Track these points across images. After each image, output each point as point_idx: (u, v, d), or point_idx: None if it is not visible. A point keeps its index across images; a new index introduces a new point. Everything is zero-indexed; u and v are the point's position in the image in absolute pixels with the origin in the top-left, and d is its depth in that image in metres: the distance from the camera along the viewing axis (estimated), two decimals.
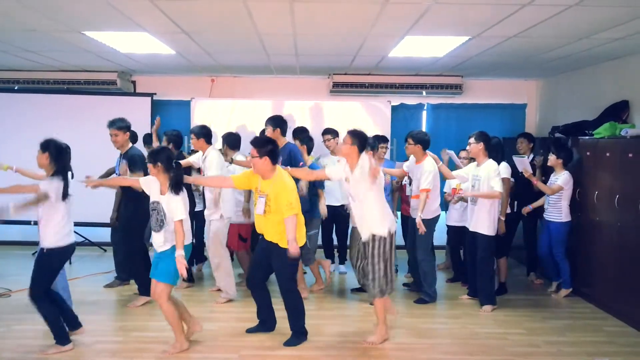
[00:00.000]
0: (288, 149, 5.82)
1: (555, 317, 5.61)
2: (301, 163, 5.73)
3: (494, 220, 5.63)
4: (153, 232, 4.46)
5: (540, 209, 6.32)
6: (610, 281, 5.69)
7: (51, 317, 4.48)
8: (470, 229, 5.76)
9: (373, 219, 4.68)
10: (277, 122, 5.89)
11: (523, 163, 6.13)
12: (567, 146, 6.28)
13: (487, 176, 5.57)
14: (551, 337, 5.02)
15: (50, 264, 4.48)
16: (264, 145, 4.59)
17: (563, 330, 5.23)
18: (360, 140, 4.68)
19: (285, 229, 4.54)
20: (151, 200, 4.47)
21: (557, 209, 6.06)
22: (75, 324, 4.75)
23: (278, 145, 4.88)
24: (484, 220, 5.63)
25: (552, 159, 6.10)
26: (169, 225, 4.36)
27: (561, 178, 6.01)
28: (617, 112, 6.09)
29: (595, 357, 4.54)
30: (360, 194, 4.67)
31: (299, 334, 4.80)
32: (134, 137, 6.21)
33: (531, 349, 4.75)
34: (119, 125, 5.73)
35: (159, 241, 4.42)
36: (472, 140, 5.75)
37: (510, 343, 4.86)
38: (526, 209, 6.35)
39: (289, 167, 5.16)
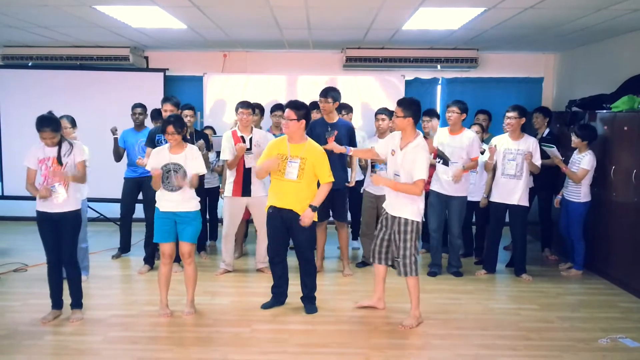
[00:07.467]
0: (346, 125, 5.70)
1: (569, 293, 5.58)
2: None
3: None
4: (167, 192, 4.54)
5: (556, 184, 6.25)
6: (625, 257, 5.63)
7: (80, 280, 4.67)
8: (514, 203, 5.75)
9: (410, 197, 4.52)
10: (339, 95, 5.72)
11: (553, 153, 5.98)
12: (590, 125, 6.06)
13: (529, 150, 5.68)
14: (565, 313, 4.99)
15: (80, 223, 4.64)
16: (302, 108, 4.61)
17: (577, 306, 5.20)
18: (415, 112, 4.46)
19: (309, 196, 4.63)
20: (161, 165, 4.51)
21: (576, 188, 5.90)
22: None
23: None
24: (525, 194, 5.75)
25: (576, 141, 5.89)
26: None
27: (584, 160, 5.80)
28: (636, 85, 5.93)
29: (610, 335, 4.50)
30: (407, 171, 4.45)
31: (314, 300, 4.94)
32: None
33: (545, 324, 4.72)
34: (191, 106, 5.77)
35: (178, 198, 4.54)
36: (514, 114, 5.71)
37: (524, 318, 4.84)
38: (557, 201, 6.26)
39: (351, 147, 5.18)
